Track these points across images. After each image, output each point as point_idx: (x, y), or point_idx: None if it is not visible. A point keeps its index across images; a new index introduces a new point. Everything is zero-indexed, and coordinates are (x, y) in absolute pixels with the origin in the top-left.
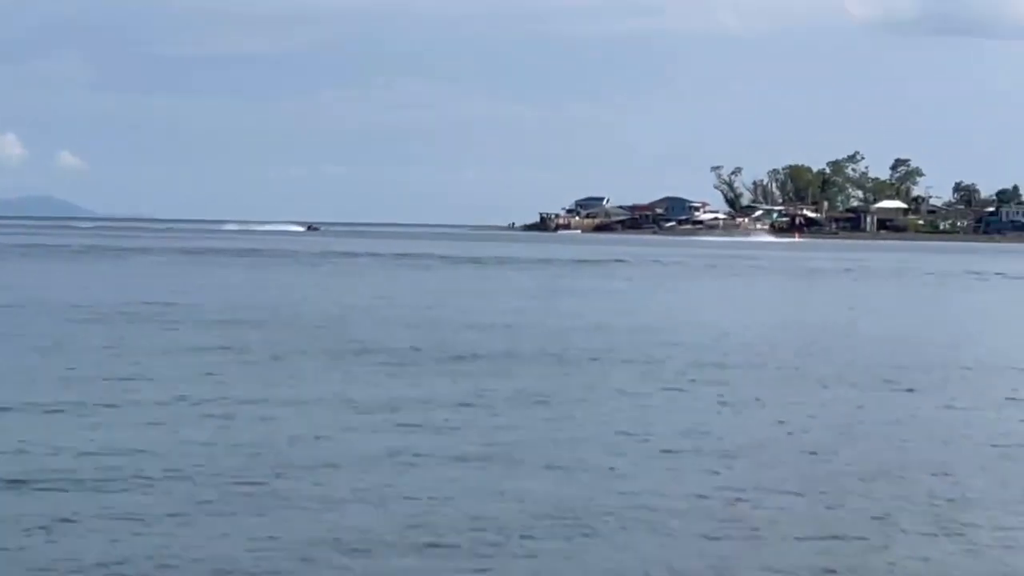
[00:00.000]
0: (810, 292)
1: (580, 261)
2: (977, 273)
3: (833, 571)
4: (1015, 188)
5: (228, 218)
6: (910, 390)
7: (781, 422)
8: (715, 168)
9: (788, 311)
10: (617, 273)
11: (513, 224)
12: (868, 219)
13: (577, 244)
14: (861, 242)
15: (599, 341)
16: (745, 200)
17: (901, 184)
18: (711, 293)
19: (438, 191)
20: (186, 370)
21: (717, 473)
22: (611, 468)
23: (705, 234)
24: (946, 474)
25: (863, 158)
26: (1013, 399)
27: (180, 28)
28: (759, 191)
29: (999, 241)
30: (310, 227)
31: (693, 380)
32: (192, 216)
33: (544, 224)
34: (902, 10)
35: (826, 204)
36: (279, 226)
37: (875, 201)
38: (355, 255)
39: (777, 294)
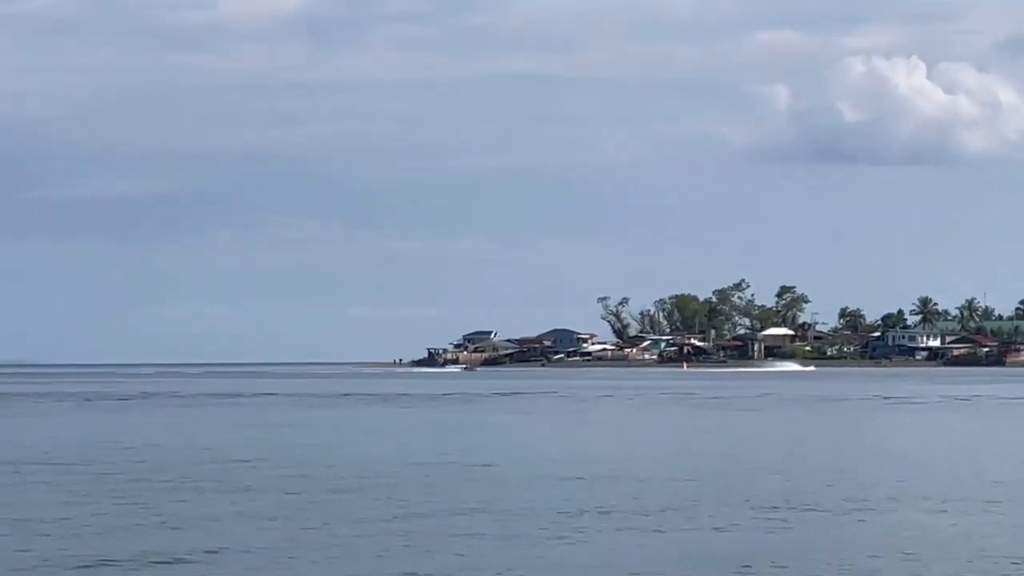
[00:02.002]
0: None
1: (489, 395)
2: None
3: None
4: (900, 313)
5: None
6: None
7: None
8: (602, 299)
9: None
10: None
11: (400, 360)
12: (756, 346)
13: (472, 379)
14: (749, 370)
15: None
16: (632, 330)
17: (787, 311)
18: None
19: (323, 329)
20: None
21: None
22: None
23: (594, 365)
24: None
25: (749, 286)
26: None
27: (57, 169)
28: (646, 321)
29: (886, 365)
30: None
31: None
32: (79, 360)
33: (432, 359)
34: (782, 138)
35: (713, 332)
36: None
37: (762, 328)
38: (239, 396)
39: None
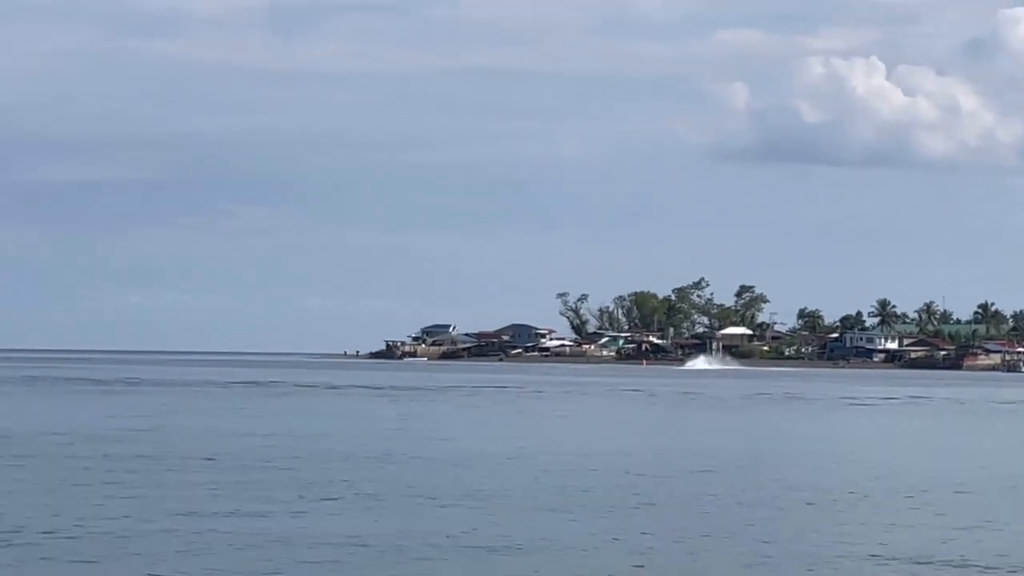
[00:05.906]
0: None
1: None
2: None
3: None
4: (858, 314)
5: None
6: None
7: None
8: (561, 295)
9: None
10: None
11: (357, 352)
12: (714, 345)
13: (434, 372)
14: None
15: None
16: (591, 327)
17: (746, 310)
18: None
19: (279, 319)
20: None
21: None
22: None
23: (552, 361)
24: None
25: (708, 285)
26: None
27: (18, 154)
28: (605, 318)
29: (843, 367)
30: None
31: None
32: (47, 345)
33: (390, 352)
34: (742, 137)
35: (672, 331)
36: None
37: (720, 327)
38: (197, 384)
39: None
